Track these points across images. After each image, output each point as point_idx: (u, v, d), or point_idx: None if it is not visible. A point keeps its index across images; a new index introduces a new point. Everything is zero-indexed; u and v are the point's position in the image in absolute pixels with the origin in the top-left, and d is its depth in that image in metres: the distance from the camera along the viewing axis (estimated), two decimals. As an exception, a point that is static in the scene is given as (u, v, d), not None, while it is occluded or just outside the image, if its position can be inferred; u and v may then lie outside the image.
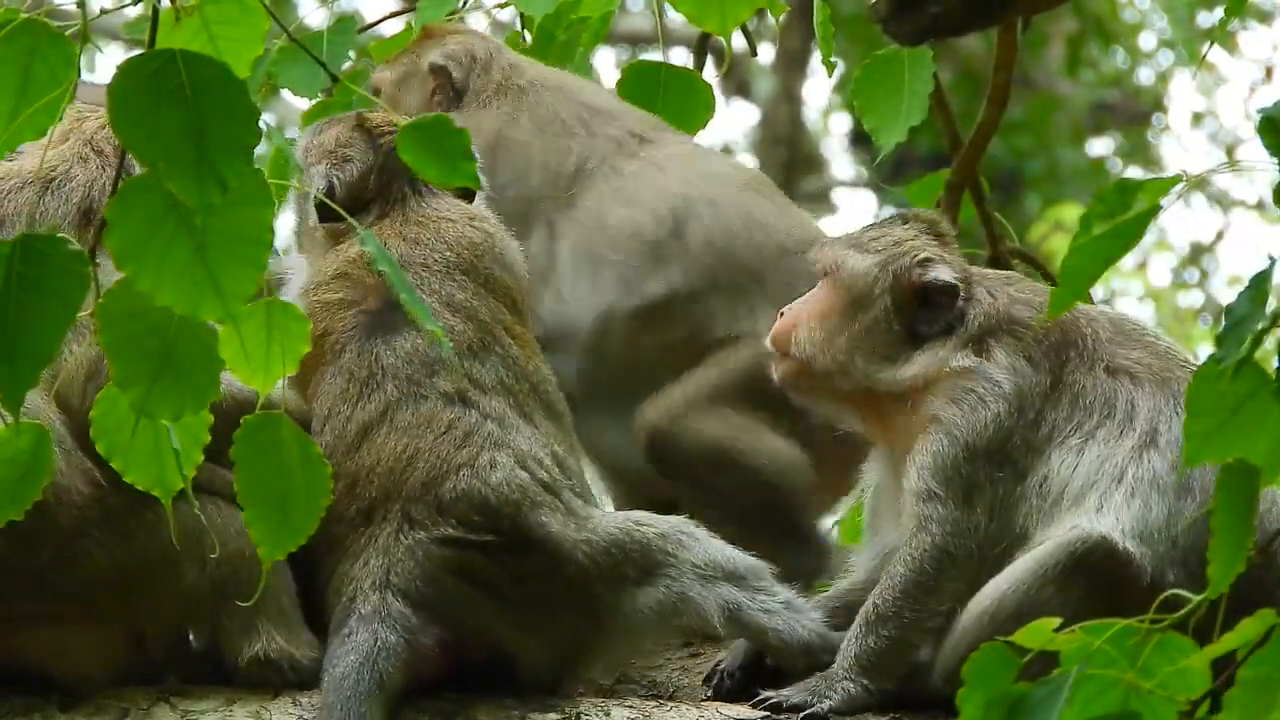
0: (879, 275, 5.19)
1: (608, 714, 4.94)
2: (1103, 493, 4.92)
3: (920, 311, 5.18)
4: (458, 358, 5.07)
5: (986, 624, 4.77)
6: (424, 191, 5.36)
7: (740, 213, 5.60)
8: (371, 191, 5.34)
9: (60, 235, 3.74)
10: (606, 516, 5.07)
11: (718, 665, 5.15)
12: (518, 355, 5.18)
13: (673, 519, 5.10)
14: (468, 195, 5.47)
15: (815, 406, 5.32)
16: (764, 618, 5.01)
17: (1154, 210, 3.55)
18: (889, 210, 19.04)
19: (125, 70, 3.62)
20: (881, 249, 5.23)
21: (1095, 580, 4.76)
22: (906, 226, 5.29)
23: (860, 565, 5.27)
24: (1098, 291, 9.74)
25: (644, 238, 5.59)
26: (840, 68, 14.55)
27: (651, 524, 5.07)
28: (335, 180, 5.33)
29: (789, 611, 5.03)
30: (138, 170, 5.00)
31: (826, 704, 4.90)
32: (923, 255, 5.21)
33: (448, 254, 5.24)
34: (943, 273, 5.17)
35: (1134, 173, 17.19)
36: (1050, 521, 4.95)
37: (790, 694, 4.93)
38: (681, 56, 10.99)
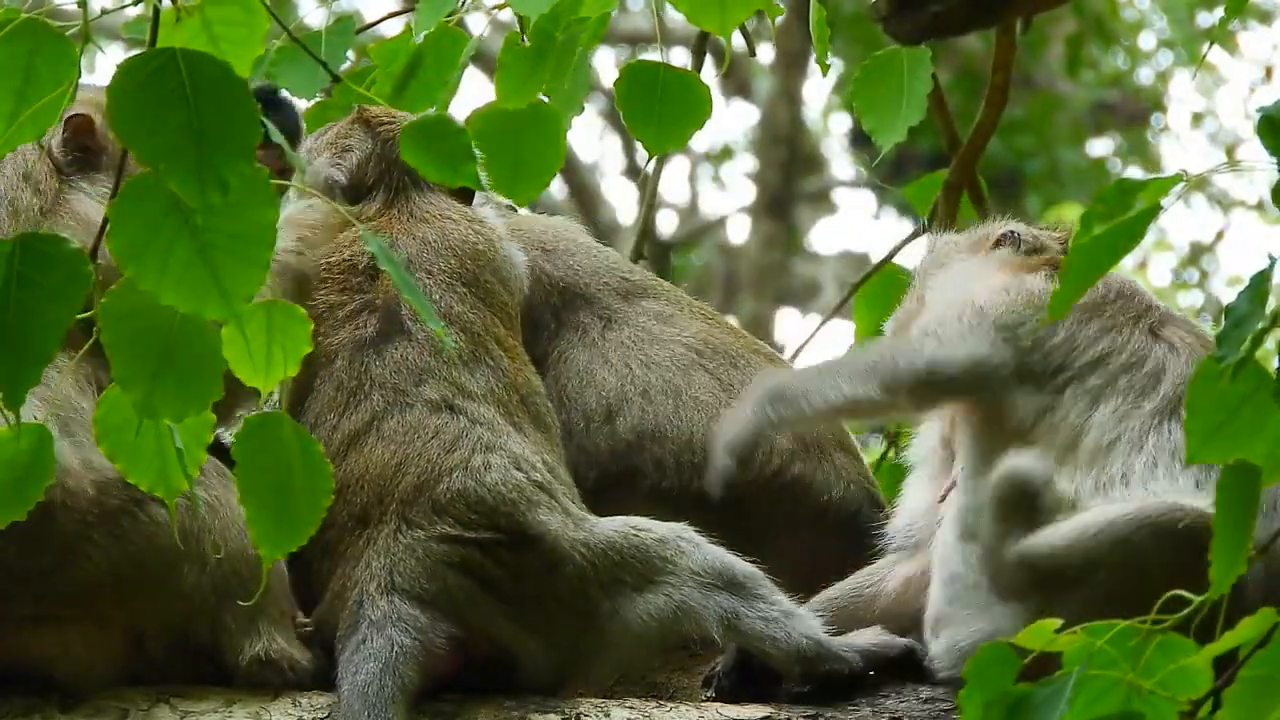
0: (970, 242, 5.53)
1: (607, 714, 4.94)
2: (1126, 460, 4.93)
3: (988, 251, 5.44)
4: (446, 368, 5.09)
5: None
6: (424, 185, 5.39)
7: (671, 399, 5.61)
8: (371, 178, 5.40)
9: (60, 234, 3.74)
10: (604, 520, 5.07)
11: (714, 669, 5.15)
12: (508, 367, 5.20)
13: (672, 525, 5.09)
14: (467, 195, 5.49)
15: None
16: (762, 626, 5.00)
17: (1154, 210, 3.54)
18: (889, 210, 19.11)
19: (125, 70, 3.61)
20: (973, 233, 5.61)
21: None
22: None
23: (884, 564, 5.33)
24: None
25: (575, 438, 5.60)
26: (841, 68, 14.58)
27: (650, 530, 5.07)
28: (337, 170, 5.39)
29: (787, 619, 5.02)
30: (55, 143, 5.07)
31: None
32: (1001, 232, 5.49)
33: (452, 262, 5.26)
34: (1021, 230, 5.42)
35: (1134, 173, 17.19)
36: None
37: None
38: (681, 56, 10.99)
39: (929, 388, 5.11)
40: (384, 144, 5.41)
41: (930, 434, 5.32)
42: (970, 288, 5.25)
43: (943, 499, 5.19)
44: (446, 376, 5.09)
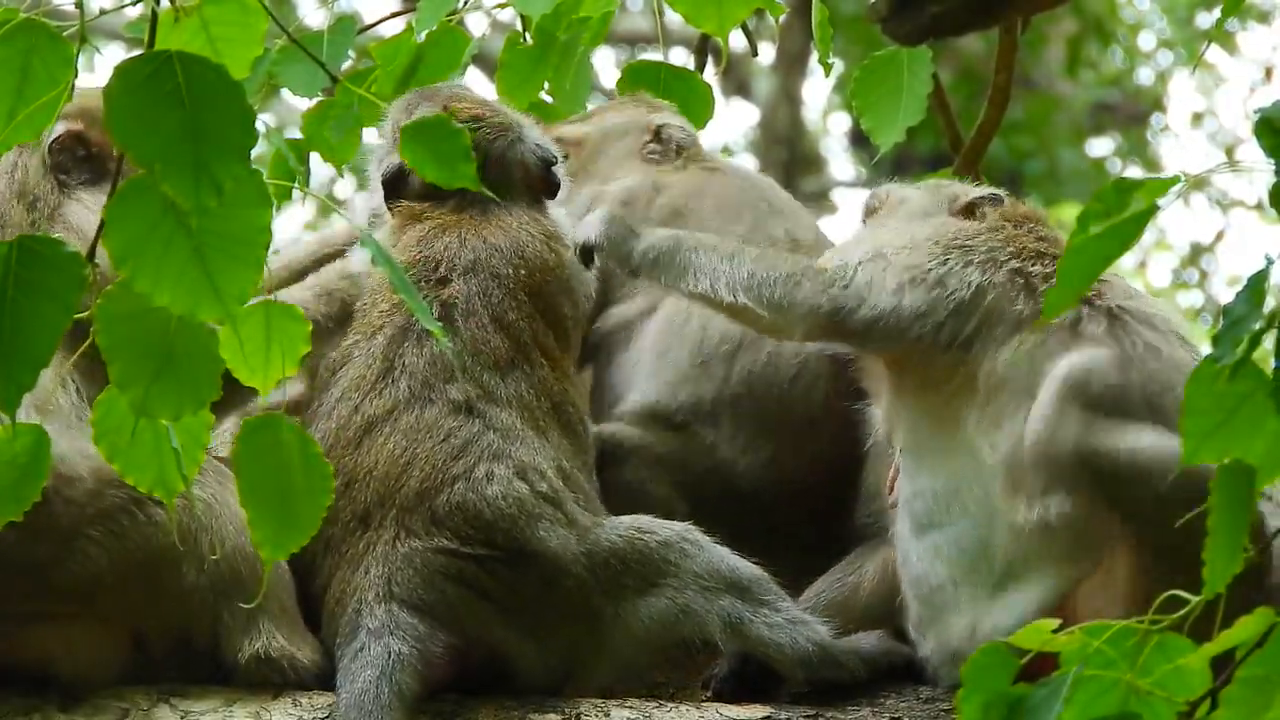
0: (931, 199, 5.39)
1: (607, 714, 4.94)
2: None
3: None
4: (480, 370, 5.08)
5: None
6: (505, 194, 5.34)
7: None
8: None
9: (57, 237, 3.74)
10: (610, 525, 5.06)
11: (713, 671, 5.15)
12: (545, 375, 5.17)
13: (676, 525, 5.09)
14: (549, 191, 5.47)
15: None
16: (766, 631, 4.99)
17: (1151, 210, 3.54)
18: (889, 210, 19.06)
19: (122, 71, 3.61)
20: (939, 188, 5.45)
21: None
22: (981, 184, 5.47)
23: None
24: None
25: (702, 350, 5.58)
26: (840, 68, 14.58)
27: (654, 531, 5.06)
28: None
29: (791, 625, 5.01)
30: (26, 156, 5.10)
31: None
32: (978, 195, 5.35)
33: (521, 272, 5.24)
34: (991, 203, 5.30)
35: (1134, 173, 17.19)
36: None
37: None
38: (681, 57, 10.99)
39: (824, 329, 5.04)
40: None
41: (875, 418, 5.30)
42: (900, 235, 5.16)
43: (891, 489, 5.16)
44: (476, 378, 5.08)
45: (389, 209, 5.42)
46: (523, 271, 5.25)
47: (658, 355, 5.52)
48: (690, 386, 5.47)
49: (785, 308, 5.04)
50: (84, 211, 5.11)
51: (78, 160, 5.17)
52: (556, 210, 5.51)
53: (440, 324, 5.07)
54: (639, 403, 5.54)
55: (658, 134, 5.93)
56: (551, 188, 5.46)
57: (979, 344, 4.96)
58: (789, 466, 5.43)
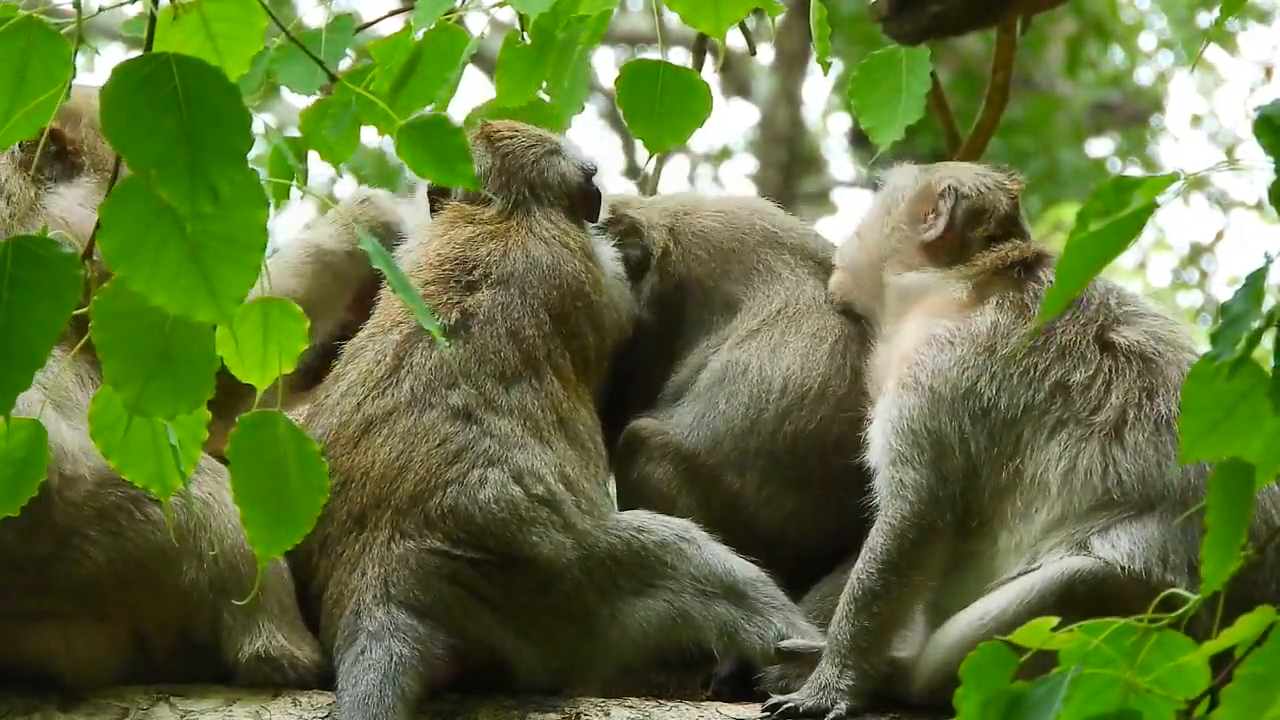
0: (913, 181, 5.35)
1: (608, 714, 4.94)
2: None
3: (929, 216, 5.23)
4: (484, 378, 5.07)
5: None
6: (544, 200, 5.39)
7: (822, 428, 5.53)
8: (491, 190, 5.38)
9: (51, 237, 3.74)
10: (609, 525, 5.06)
11: (713, 672, 5.14)
12: (555, 391, 5.16)
13: (674, 524, 5.09)
14: (589, 213, 5.46)
15: (862, 318, 5.37)
16: (758, 643, 5.00)
17: (1150, 208, 3.54)
18: (889, 210, 19.04)
19: (119, 74, 3.60)
20: (934, 168, 5.39)
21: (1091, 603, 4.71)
22: (983, 167, 5.39)
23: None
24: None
25: (755, 408, 5.54)
26: (840, 67, 14.58)
27: (651, 531, 5.06)
28: None
29: (785, 635, 5.01)
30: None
31: (844, 705, 4.84)
32: (958, 177, 5.29)
33: (552, 294, 5.25)
34: (959, 186, 5.26)
35: (1134, 173, 17.18)
36: (1029, 520, 4.90)
37: (801, 699, 4.88)
38: (680, 56, 10.99)
39: (937, 533, 4.92)
40: (504, 158, 5.42)
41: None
42: (912, 336, 5.07)
43: None
44: (479, 385, 5.07)
45: (433, 208, 5.43)
46: (555, 293, 5.25)
47: (708, 404, 5.46)
48: (736, 439, 5.43)
49: (927, 548, 4.90)
50: (61, 201, 5.11)
51: (47, 156, 5.18)
52: (599, 240, 5.50)
53: (456, 329, 5.09)
54: (678, 439, 5.46)
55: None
56: (591, 202, 5.48)
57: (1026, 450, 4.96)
58: (812, 521, 5.39)
